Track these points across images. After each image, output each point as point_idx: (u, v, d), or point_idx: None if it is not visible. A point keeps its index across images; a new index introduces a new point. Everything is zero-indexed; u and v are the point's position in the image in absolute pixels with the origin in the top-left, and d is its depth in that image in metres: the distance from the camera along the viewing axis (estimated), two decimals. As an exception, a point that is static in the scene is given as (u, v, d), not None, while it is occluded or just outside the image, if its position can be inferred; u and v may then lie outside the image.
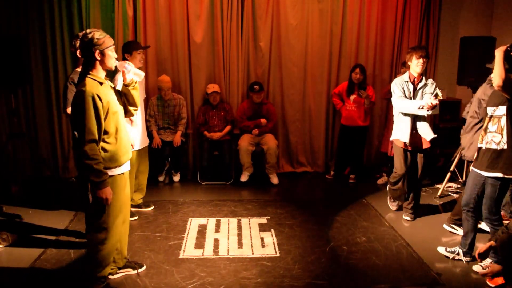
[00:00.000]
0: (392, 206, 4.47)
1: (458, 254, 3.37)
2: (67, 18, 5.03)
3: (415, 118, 3.96)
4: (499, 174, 3.01)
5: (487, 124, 3.08)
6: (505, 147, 2.96)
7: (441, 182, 4.97)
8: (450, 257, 3.38)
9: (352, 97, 5.11)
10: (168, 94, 5.02)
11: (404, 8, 5.43)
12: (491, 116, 3.06)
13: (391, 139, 4.22)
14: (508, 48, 2.85)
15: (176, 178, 5.30)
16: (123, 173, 2.78)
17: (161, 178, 5.28)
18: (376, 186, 5.19)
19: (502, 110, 2.98)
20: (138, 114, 3.89)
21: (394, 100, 3.97)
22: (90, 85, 2.54)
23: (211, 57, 5.37)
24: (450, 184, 5.11)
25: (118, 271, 3.08)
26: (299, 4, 5.34)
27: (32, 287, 3.00)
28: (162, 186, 5.17)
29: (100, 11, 5.07)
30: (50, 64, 5.13)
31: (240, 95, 5.48)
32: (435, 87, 3.95)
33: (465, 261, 3.33)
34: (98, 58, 2.60)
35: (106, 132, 2.63)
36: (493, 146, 3.02)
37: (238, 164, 5.27)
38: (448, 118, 5.49)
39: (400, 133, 4.03)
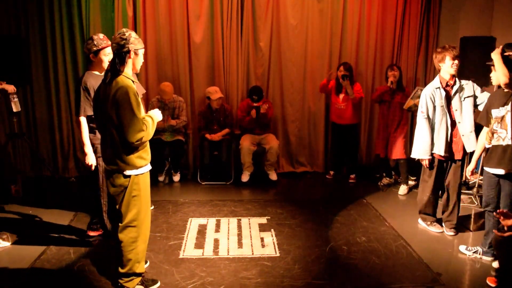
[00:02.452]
0: (437, 228, 3.91)
1: (478, 253, 3.37)
2: (67, 18, 5.04)
3: (451, 127, 3.67)
4: (502, 171, 3.08)
5: (493, 124, 3.17)
6: (510, 142, 3.06)
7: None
8: (471, 256, 3.38)
9: (341, 95, 5.12)
10: (169, 99, 5.09)
11: (404, 8, 5.44)
12: (496, 117, 3.15)
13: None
14: (504, 50, 3.05)
15: (176, 178, 5.30)
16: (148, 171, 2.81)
17: (161, 178, 5.28)
18: (376, 186, 5.18)
19: (503, 110, 3.11)
20: None
21: (418, 117, 3.72)
22: (129, 83, 2.58)
23: (211, 57, 5.37)
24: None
25: None
26: (299, 4, 5.35)
27: (32, 287, 3.00)
28: (162, 186, 5.17)
29: (100, 11, 5.08)
30: (50, 64, 5.14)
31: (240, 95, 5.49)
32: (474, 88, 3.61)
33: (485, 260, 3.32)
34: (132, 57, 2.64)
35: None
36: (500, 142, 3.10)
37: (238, 164, 5.27)
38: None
39: (435, 146, 3.71)
